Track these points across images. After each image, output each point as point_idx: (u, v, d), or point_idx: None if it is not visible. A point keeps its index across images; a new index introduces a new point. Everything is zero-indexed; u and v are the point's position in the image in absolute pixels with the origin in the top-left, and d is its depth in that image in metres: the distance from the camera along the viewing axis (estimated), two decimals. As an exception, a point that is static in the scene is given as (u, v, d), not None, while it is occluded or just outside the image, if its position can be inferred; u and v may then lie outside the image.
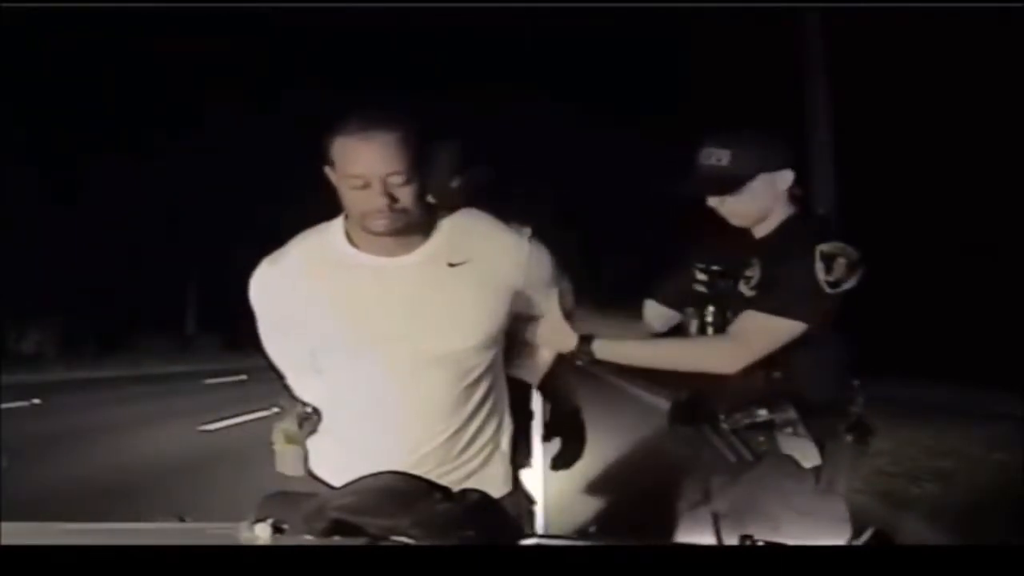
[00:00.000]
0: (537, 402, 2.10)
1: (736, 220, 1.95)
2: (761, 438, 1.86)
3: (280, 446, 1.76)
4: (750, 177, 1.87)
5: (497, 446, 1.75)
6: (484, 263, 1.67)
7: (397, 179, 1.54)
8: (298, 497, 1.23)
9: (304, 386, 1.77)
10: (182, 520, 1.35)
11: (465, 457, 1.68)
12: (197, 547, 1.14)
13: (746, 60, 14.81)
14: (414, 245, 1.65)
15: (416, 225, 1.63)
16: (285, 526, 1.15)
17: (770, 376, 1.85)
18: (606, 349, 1.85)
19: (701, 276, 1.99)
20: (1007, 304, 11.97)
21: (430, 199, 1.68)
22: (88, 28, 20.10)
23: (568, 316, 1.83)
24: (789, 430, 1.84)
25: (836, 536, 1.71)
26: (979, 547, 1.04)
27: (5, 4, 14.87)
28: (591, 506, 4.89)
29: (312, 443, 1.75)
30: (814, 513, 1.80)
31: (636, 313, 2.12)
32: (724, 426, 1.90)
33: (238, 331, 18.51)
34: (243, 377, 13.42)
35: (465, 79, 23.02)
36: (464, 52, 23.90)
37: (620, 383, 13.28)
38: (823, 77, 10.35)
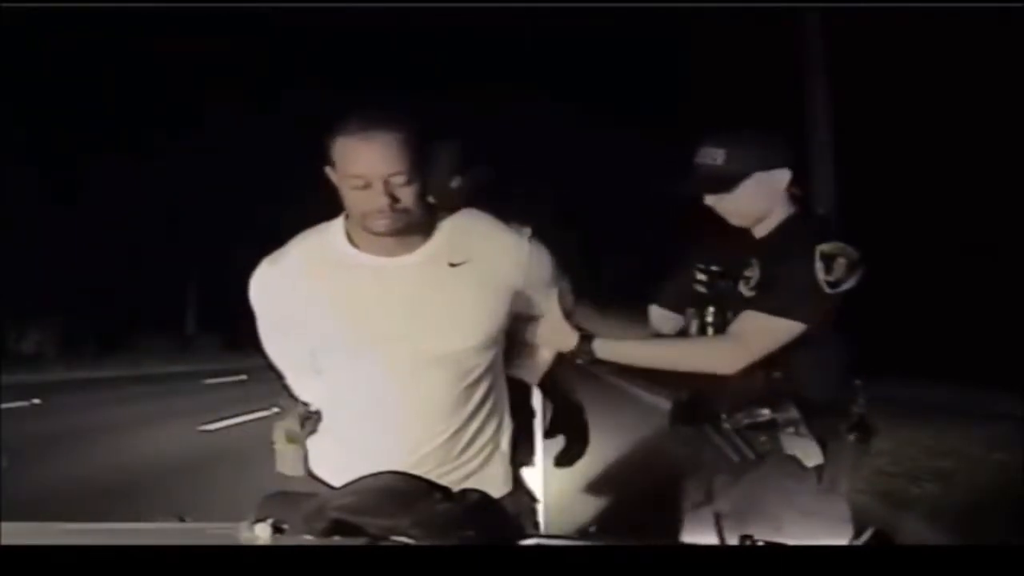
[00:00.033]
0: (539, 400, 2.11)
1: (735, 220, 1.95)
2: (763, 437, 1.86)
3: (281, 445, 1.76)
4: (744, 176, 1.88)
5: (497, 446, 1.75)
6: (484, 263, 1.67)
7: (398, 179, 1.54)
8: (298, 497, 1.23)
9: (304, 386, 1.77)
10: (182, 520, 1.35)
11: (465, 457, 1.68)
12: (197, 547, 1.14)
13: (746, 60, 14.81)
14: (414, 245, 1.65)
15: (417, 225, 1.63)
16: (285, 526, 1.16)
17: (770, 376, 1.85)
18: (606, 348, 1.85)
19: (701, 276, 2.00)
20: (1007, 304, 11.97)
21: (430, 199, 1.68)
22: (88, 28, 20.10)
23: (568, 315, 1.84)
24: (792, 429, 1.84)
25: (838, 536, 1.71)
26: (979, 547, 1.04)
27: (5, 4, 14.87)
28: (591, 506, 4.89)
29: (312, 443, 1.75)
30: (816, 513, 1.79)
31: (636, 313, 2.12)
32: (726, 426, 1.90)
33: (238, 331, 18.49)
34: (243, 377, 13.42)
35: (465, 79, 23.03)
36: (464, 52, 23.91)
37: (620, 383, 13.27)
38: (823, 77, 10.34)
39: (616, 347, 1.88)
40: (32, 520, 1.28)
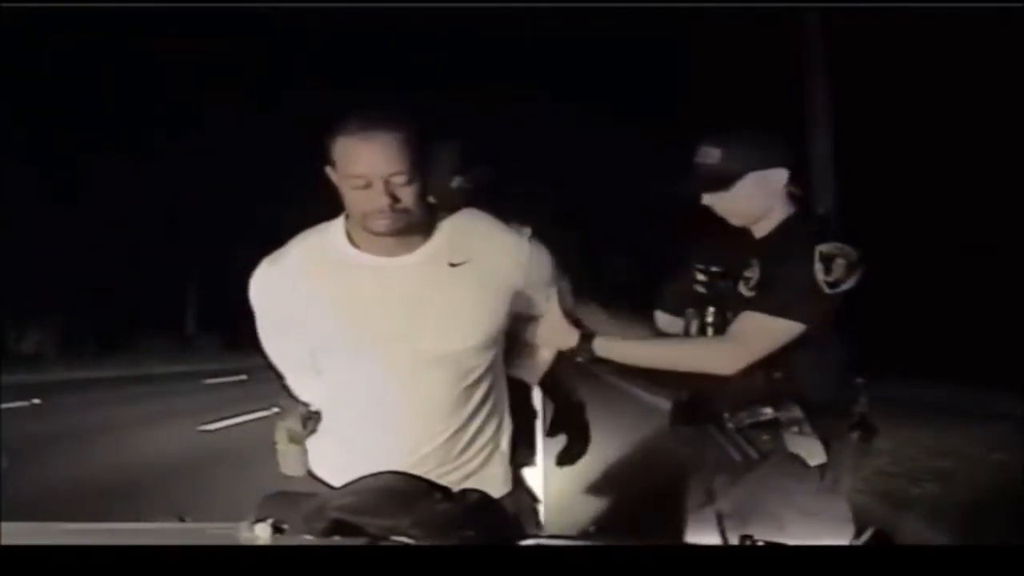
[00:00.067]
0: (540, 400, 2.11)
1: (734, 219, 1.95)
2: (766, 437, 1.86)
3: (284, 445, 1.76)
4: (740, 175, 1.88)
5: (497, 446, 1.75)
6: (484, 263, 1.67)
7: (399, 179, 1.54)
8: (298, 497, 1.23)
9: (304, 386, 1.77)
10: (182, 520, 1.35)
11: (465, 457, 1.68)
12: (197, 547, 1.14)
13: (746, 60, 14.80)
14: (415, 245, 1.65)
15: (417, 225, 1.63)
16: (285, 526, 1.16)
17: (770, 376, 1.85)
18: (606, 347, 1.85)
19: (701, 277, 2.00)
20: (1007, 304, 11.96)
21: (431, 199, 1.68)
22: (88, 28, 20.10)
23: (568, 315, 1.84)
24: (795, 429, 1.84)
25: (839, 536, 1.71)
26: (979, 547, 1.04)
27: (5, 4, 14.87)
28: (592, 506, 4.89)
29: (312, 443, 1.75)
30: (818, 513, 1.79)
31: (636, 313, 2.12)
32: (729, 425, 1.90)
33: (238, 331, 18.50)
34: (243, 377, 13.41)
35: (465, 79, 23.04)
36: (464, 52, 23.91)
37: (620, 383, 13.28)
38: (823, 77, 10.35)
39: (616, 346, 1.88)
40: (32, 520, 1.28)
